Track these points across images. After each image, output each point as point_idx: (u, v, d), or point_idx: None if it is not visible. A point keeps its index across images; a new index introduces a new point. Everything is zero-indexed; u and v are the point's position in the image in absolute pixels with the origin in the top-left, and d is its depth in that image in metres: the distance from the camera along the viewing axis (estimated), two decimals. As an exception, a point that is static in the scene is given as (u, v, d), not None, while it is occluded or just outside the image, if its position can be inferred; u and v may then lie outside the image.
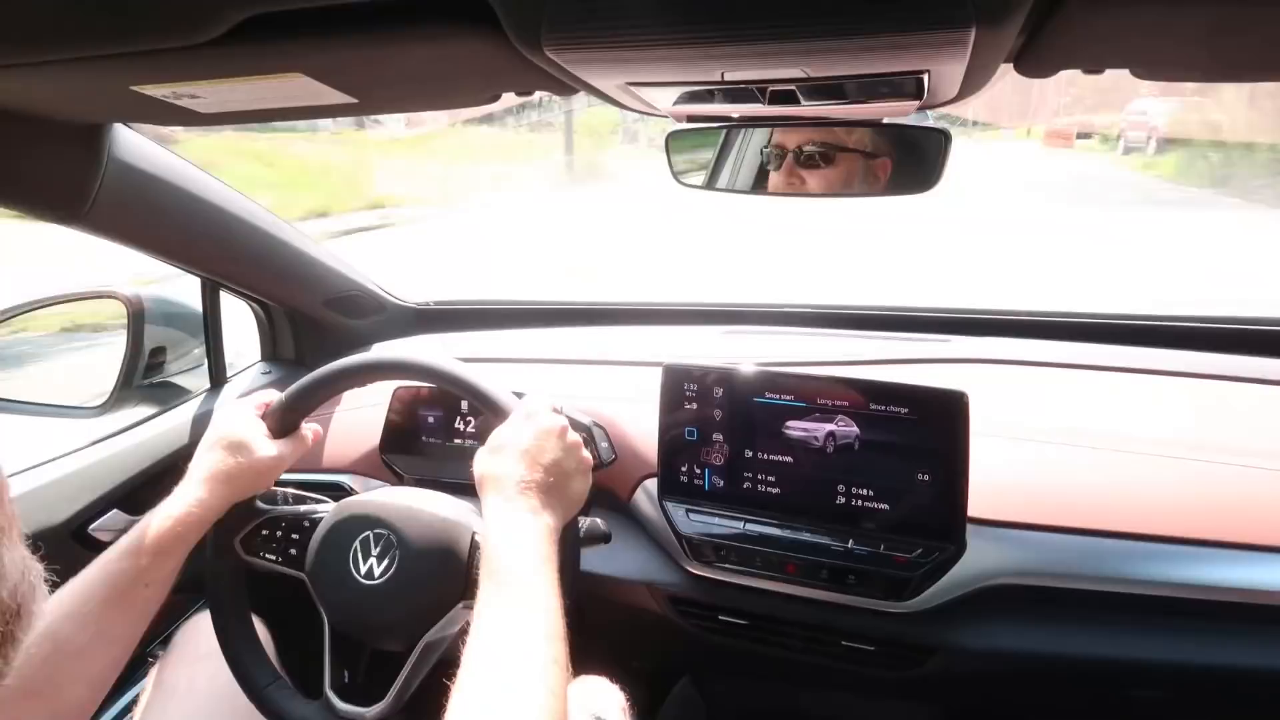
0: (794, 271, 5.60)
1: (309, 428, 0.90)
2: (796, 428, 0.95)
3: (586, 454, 0.81)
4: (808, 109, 0.74)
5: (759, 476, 0.97)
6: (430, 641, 0.82)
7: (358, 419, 1.23)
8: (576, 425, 0.84)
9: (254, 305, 1.39)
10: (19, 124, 0.81)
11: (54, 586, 0.67)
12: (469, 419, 1.15)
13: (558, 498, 0.75)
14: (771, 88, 0.67)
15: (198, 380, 1.34)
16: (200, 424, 1.25)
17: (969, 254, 5.76)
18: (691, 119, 0.87)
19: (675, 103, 0.76)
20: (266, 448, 0.84)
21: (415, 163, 11.31)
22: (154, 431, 1.21)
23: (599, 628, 1.00)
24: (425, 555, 0.83)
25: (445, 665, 0.59)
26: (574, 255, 6.72)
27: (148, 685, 0.97)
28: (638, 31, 0.53)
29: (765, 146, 0.91)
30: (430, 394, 1.17)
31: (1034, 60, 0.60)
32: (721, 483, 0.99)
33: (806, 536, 0.94)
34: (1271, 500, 0.89)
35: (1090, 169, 11.14)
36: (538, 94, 0.77)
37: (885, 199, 0.91)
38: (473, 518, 0.86)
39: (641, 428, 1.08)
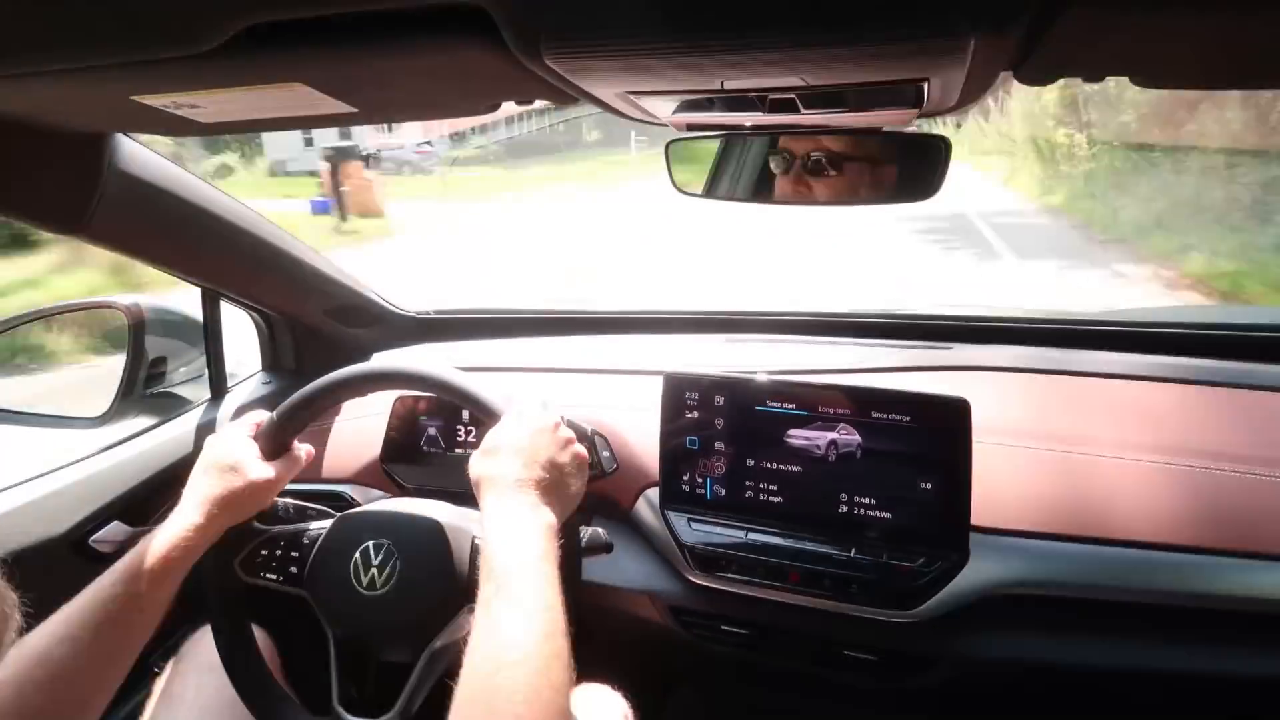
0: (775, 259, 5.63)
1: (302, 447, 0.90)
2: (798, 436, 0.95)
3: (581, 450, 0.80)
4: (807, 117, 0.73)
5: (761, 485, 0.97)
6: (437, 649, 0.82)
7: (359, 429, 1.22)
8: (578, 434, 0.83)
9: (254, 315, 1.39)
10: (18, 134, 0.81)
11: (54, 599, 0.68)
12: (470, 428, 1.15)
13: (555, 495, 0.75)
14: (771, 96, 0.67)
15: (198, 390, 1.34)
16: (201, 434, 1.24)
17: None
18: (691, 127, 0.87)
19: (675, 111, 0.76)
20: (259, 470, 0.83)
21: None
22: (154, 442, 1.20)
23: (601, 637, 1.00)
24: (426, 561, 0.83)
25: (452, 674, 0.59)
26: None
27: (152, 696, 0.97)
28: (637, 40, 0.53)
29: (771, 152, 0.90)
30: (431, 403, 1.17)
31: (1034, 68, 0.60)
32: (723, 492, 0.99)
33: (809, 545, 0.94)
34: (1275, 508, 0.88)
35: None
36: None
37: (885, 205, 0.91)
38: (473, 523, 0.85)
39: (643, 437, 1.07)
